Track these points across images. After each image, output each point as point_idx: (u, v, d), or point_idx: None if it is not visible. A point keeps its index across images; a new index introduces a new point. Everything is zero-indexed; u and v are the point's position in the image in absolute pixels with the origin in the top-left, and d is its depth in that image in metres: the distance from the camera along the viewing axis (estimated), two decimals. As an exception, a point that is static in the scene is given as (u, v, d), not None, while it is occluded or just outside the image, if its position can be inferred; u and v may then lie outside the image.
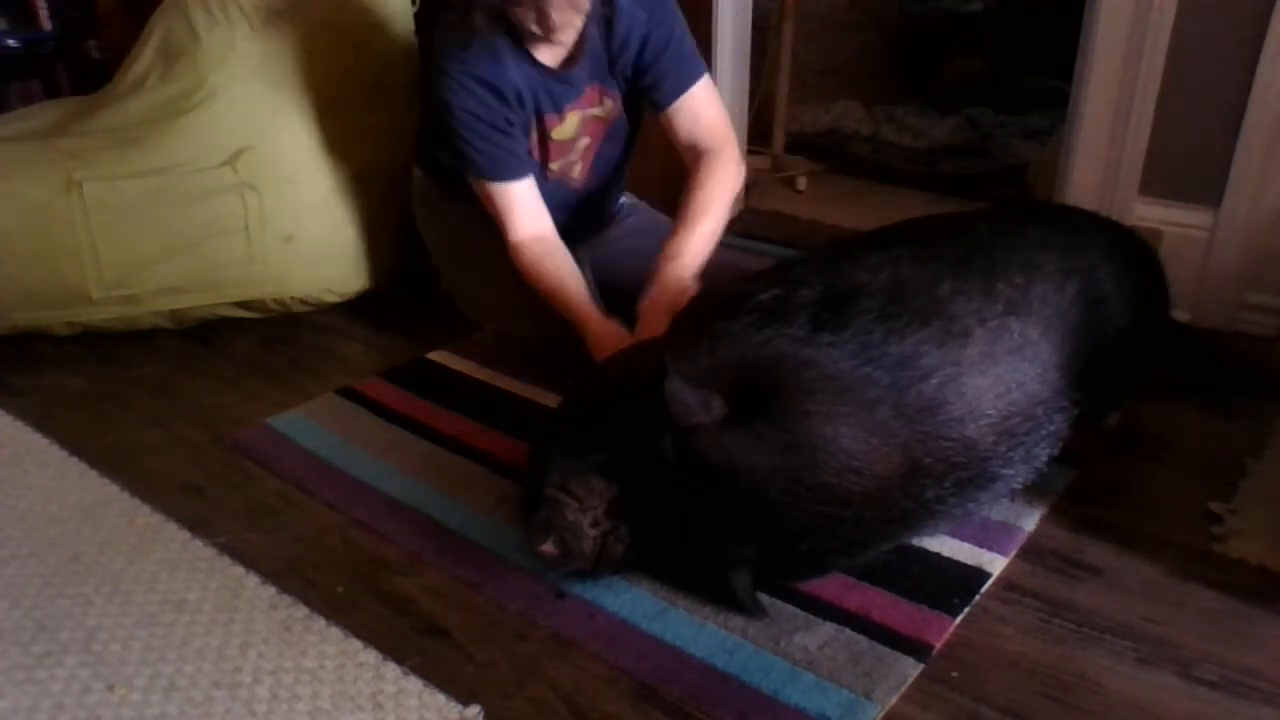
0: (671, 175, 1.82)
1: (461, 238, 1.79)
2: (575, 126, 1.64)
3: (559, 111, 1.60)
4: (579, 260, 1.67)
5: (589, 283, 1.64)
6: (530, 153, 1.62)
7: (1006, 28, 3.54)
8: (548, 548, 1.08)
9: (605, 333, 1.53)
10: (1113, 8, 1.75)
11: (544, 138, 1.61)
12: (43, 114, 2.03)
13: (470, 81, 1.50)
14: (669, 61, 1.59)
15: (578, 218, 1.76)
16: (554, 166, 1.66)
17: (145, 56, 1.92)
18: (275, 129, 1.84)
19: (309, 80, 1.87)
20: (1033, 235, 1.34)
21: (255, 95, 1.83)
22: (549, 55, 1.54)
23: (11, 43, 2.91)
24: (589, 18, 1.50)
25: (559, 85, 1.57)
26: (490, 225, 1.64)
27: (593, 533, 1.09)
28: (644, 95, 1.65)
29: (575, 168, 1.70)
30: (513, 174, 1.57)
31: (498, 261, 1.64)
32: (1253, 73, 1.66)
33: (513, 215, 1.58)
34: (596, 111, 1.65)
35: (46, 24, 2.99)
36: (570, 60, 1.55)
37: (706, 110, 1.64)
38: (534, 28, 1.43)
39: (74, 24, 3.02)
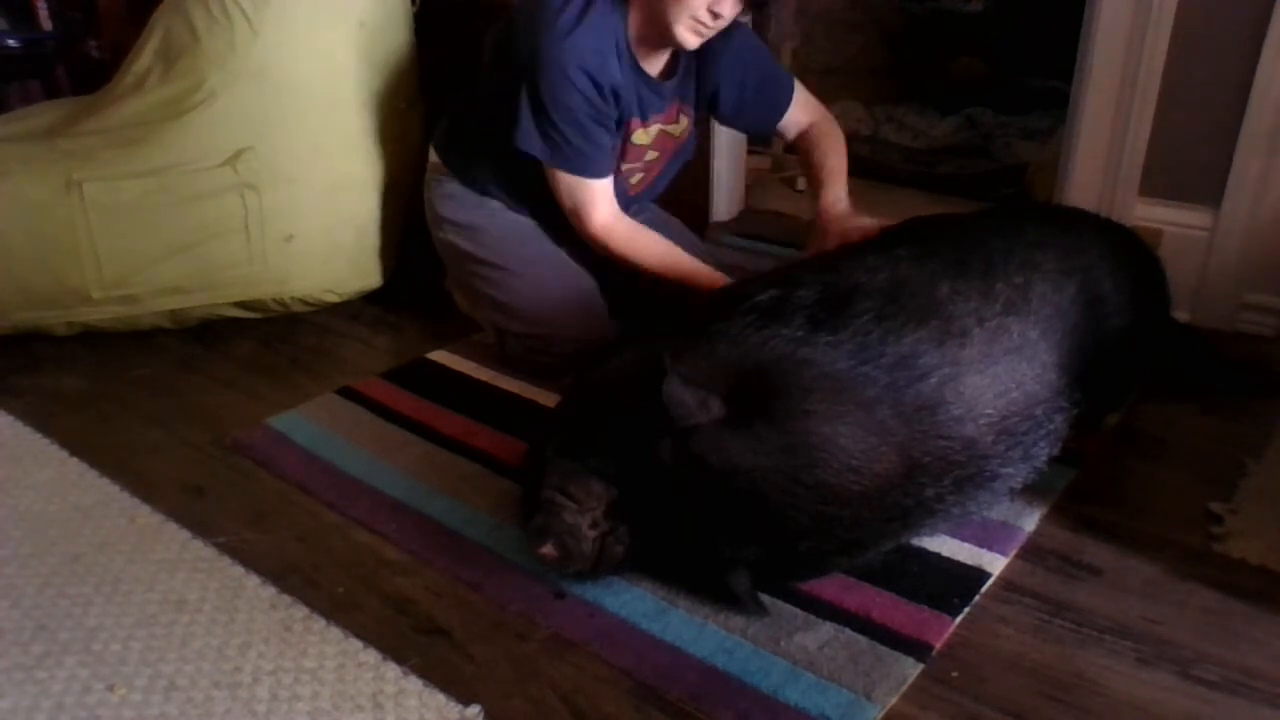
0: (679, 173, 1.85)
1: (481, 233, 1.75)
2: (652, 137, 1.67)
3: (645, 119, 1.63)
4: (582, 249, 1.73)
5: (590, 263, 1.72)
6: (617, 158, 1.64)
7: (1006, 28, 3.53)
8: (547, 550, 1.08)
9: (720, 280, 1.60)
10: (1113, 8, 1.75)
11: (625, 140, 1.63)
12: (43, 114, 2.03)
13: (575, 72, 1.48)
14: (766, 99, 1.74)
15: None
16: (623, 169, 1.68)
17: (145, 56, 1.92)
18: (275, 129, 1.84)
19: (309, 80, 1.87)
20: (1031, 235, 1.34)
21: (255, 95, 1.83)
22: (652, 64, 1.59)
23: (11, 43, 2.91)
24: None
25: (652, 94, 1.61)
26: (528, 225, 1.69)
27: (591, 534, 1.09)
28: (750, 128, 1.83)
29: (636, 176, 1.73)
30: (600, 171, 1.58)
31: (533, 258, 1.68)
32: (1253, 73, 1.66)
33: (597, 204, 1.60)
34: (672, 128, 1.69)
35: (46, 24, 2.99)
36: (668, 72, 1.62)
37: (805, 105, 1.79)
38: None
39: (74, 24, 3.02)
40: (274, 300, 1.94)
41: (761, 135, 1.85)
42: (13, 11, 2.96)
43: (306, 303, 1.98)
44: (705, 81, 1.68)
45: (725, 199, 2.48)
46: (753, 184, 2.65)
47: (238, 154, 1.81)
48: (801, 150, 1.81)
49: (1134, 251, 1.50)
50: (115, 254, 1.79)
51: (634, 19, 1.53)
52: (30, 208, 1.74)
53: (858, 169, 2.89)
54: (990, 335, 1.16)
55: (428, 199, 1.82)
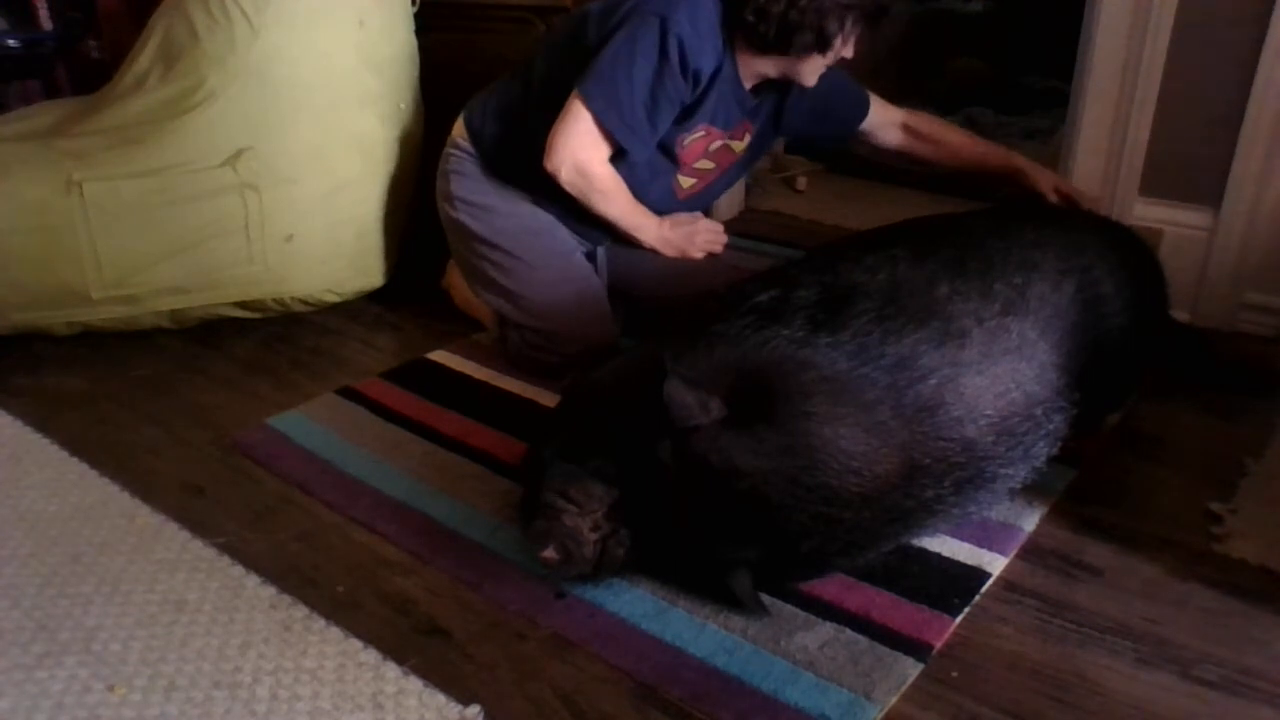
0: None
1: (496, 216, 1.73)
2: (715, 148, 1.69)
3: (714, 126, 1.65)
4: (594, 253, 1.75)
5: (601, 275, 1.75)
6: (676, 145, 1.64)
7: (1006, 28, 3.54)
8: (548, 554, 1.08)
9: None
10: (1113, 8, 1.75)
11: (687, 139, 1.64)
12: (43, 114, 2.03)
13: (672, 44, 1.48)
14: (839, 113, 1.82)
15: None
16: (683, 172, 1.70)
17: (145, 56, 1.92)
18: (275, 129, 1.84)
19: (309, 80, 1.87)
20: (1030, 235, 1.34)
21: (255, 95, 1.82)
22: (748, 75, 1.62)
23: (11, 43, 2.90)
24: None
25: (735, 104, 1.63)
26: (546, 219, 1.70)
27: (593, 537, 1.09)
28: (826, 141, 1.98)
29: (688, 182, 1.73)
30: (633, 143, 1.56)
31: (547, 252, 1.69)
32: (1253, 73, 1.66)
33: (594, 150, 1.57)
34: (735, 144, 1.71)
35: (46, 24, 2.99)
36: (758, 89, 1.66)
37: (887, 106, 1.88)
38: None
39: (74, 24, 3.02)
40: (274, 300, 1.94)
41: (838, 145, 1.99)
42: (13, 11, 2.95)
43: (306, 303, 1.98)
44: (784, 104, 1.72)
45: (725, 199, 2.48)
46: (753, 184, 2.65)
47: (238, 154, 1.81)
48: (920, 141, 1.88)
49: (1132, 251, 1.49)
50: (115, 254, 1.79)
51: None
52: (30, 208, 1.74)
53: (858, 169, 2.92)
54: (989, 335, 1.16)
55: (443, 171, 1.78)
